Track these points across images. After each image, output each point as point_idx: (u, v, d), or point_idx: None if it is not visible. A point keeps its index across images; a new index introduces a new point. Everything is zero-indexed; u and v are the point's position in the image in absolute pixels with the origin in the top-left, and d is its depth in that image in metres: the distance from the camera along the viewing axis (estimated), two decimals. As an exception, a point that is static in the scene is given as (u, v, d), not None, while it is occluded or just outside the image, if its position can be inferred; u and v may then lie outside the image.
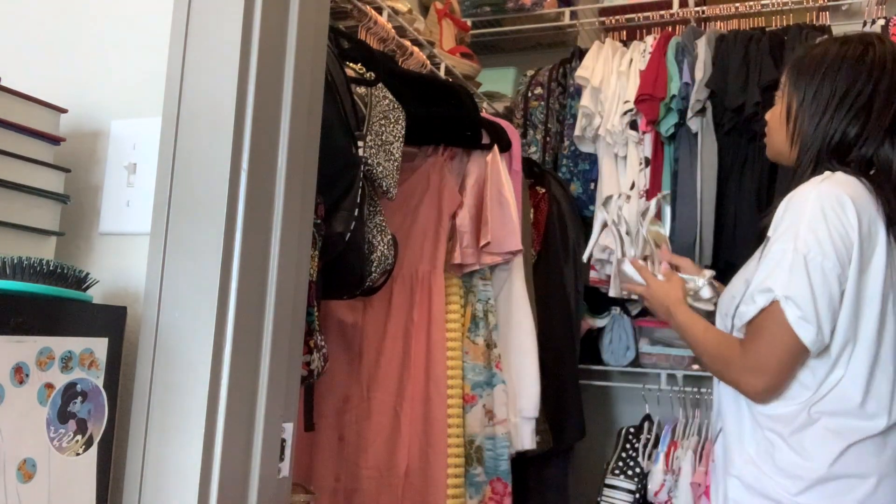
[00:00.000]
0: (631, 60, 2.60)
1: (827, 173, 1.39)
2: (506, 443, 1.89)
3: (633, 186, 2.49)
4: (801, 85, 1.47)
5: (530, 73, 2.84)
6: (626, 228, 1.73)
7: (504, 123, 2.06)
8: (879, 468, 1.33)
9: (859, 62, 1.43)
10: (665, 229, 1.79)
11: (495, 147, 1.95)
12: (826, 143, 1.42)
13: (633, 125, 2.52)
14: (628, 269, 1.66)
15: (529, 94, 2.80)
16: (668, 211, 2.44)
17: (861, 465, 1.32)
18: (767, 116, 1.58)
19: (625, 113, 2.51)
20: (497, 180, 1.92)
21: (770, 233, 1.40)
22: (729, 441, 1.44)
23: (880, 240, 1.35)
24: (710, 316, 1.57)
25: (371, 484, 1.68)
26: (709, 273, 1.66)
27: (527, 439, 1.96)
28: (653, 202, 1.80)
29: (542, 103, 2.76)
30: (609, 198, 1.83)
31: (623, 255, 1.71)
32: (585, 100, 2.58)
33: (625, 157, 2.54)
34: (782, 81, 1.54)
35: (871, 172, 1.41)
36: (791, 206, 1.38)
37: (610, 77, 2.58)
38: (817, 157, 1.43)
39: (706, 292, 1.63)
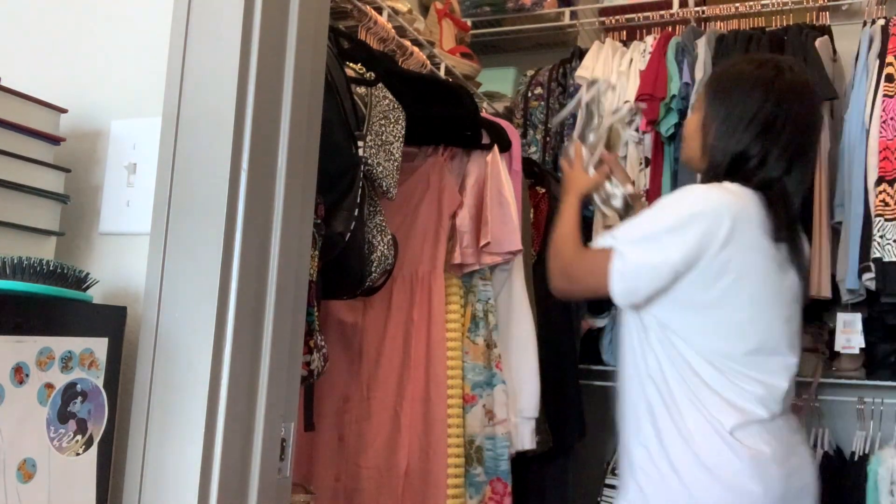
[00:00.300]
0: (631, 60, 2.61)
1: (726, 182, 1.48)
2: (506, 443, 1.89)
3: None
4: (715, 102, 1.55)
5: (530, 73, 2.84)
6: (597, 117, 1.83)
7: (504, 123, 2.05)
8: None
9: (770, 86, 1.50)
10: (628, 136, 1.87)
11: (495, 147, 1.95)
12: (732, 159, 1.50)
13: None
14: (570, 149, 1.80)
15: (529, 94, 2.80)
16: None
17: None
18: (685, 124, 1.68)
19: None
20: (497, 180, 1.92)
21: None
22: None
23: (762, 249, 1.44)
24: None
25: (371, 483, 1.68)
26: (631, 188, 1.77)
27: (527, 439, 1.96)
28: (626, 106, 1.87)
29: (542, 103, 2.76)
30: (595, 81, 1.90)
31: (580, 135, 1.83)
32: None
33: (624, 157, 2.54)
34: (699, 94, 1.65)
35: (769, 191, 1.48)
36: (680, 193, 1.52)
37: (610, 77, 2.59)
38: (726, 171, 1.50)
39: (617, 202, 1.75)
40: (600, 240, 1.57)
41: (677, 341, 1.46)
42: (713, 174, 1.53)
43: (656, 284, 1.46)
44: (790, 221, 1.49)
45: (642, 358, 1.51)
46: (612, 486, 2.45)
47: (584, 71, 2.61)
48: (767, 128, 1.48)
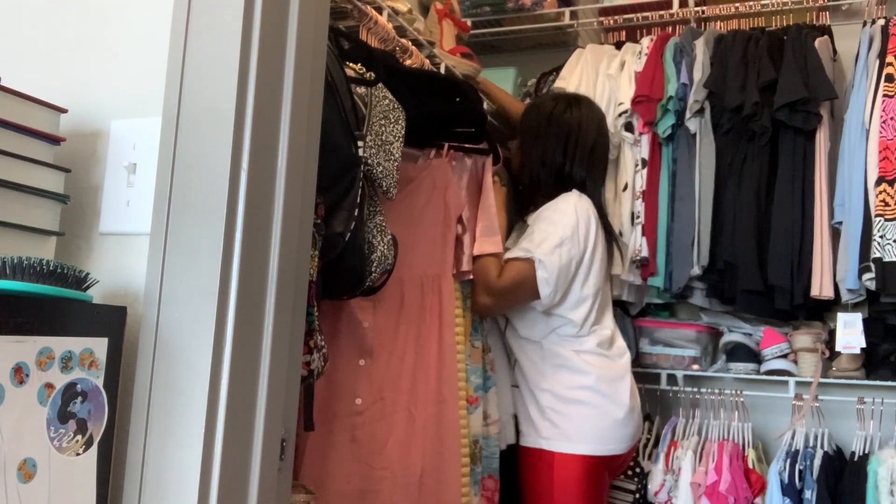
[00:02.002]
0: (623, 63, 2.60)
1: (574, 191, 2.07)
2: (496, 441, 1.94)
3: (626, 188, 2.50)
4: (527, 131, 2.18)
5: (531, 82, 2.85)
6: None
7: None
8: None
9: (562, 117, 2.14)
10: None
11: (489, 158, 1.98)
12: (548, 170, 2.11)
13: (629, 127, 2.52)
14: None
15: (523, 106, 2.80)
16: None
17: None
18: (512, 151, 2.27)
19: (619, 115, 2.51)
20: (489, 192, 1.97)
21: (530, 220, 2.09)
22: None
23: (600, 240, 2.06)
24: None
25: (385, 485, 1.67)
26: None
27: (510, 434, 2.06)
28: None
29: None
30: None
31: None
32: None
33: (615, 159, 2.54)
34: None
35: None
36: (556, 204, 2.05)
37: (596, 82, 2.58)
38: (549, 179, 2.11)
39: None
40: (509, 253, 2.00)
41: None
42: (543, 182, 2.11)
43: (567, 279, 1.97)
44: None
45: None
46: (613, 486, 2.45)
47: (562, 82, 2.61)
48: (564, 145, 2.12)
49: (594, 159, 2.14)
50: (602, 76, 2.58)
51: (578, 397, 1.99)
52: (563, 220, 1.99)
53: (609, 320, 2.11)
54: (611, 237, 2.16)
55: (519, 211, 2.29)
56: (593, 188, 2.12)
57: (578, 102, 2.20)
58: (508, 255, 1.99)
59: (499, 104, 2.44)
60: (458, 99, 1.86)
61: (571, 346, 2.02)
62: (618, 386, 2.02)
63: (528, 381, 2.05)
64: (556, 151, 2.10)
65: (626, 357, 2.10)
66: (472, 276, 1.94)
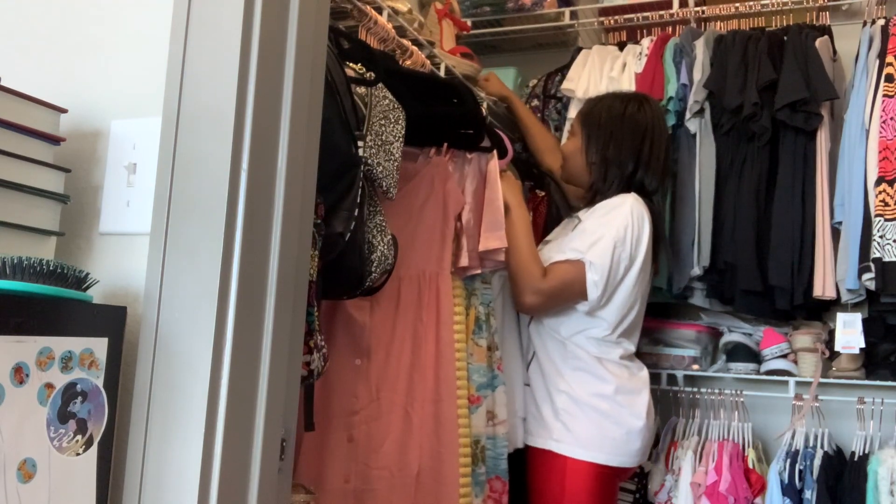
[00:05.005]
0: (624, 64, 2.60)
1: (633, 193, 2.00)
2: (505, 442, 1.91)
3: None
4: (597, 130, 2.07)
5: (533, 82, 2.84)
6: None
7: (501, 134, 2.09)
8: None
9: (635, 117, 2.06)
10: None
11: (494, 153, 1.97)
12: (618, 171, 2.03)
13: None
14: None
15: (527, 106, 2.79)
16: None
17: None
18: (564, 148, 2.21)
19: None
20: (495, 187, 1.95)
21: (582, 215, 2.04)
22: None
23: (650, 248, 1.99)
24: None
25: (382, 484, 1.67)
26: None
27: (520, 437, 2.03)
28: None
29: (538, 115, 2.75)
30: None
31: None
32: (573, 111, 2.57)
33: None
34: (574, 123, 2.18)
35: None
36: (612, 203, 1.99)
37: (599, 84, 2.58)
38: (616, 180, 2.03)
39: None
40: (558, 255, 1.97)
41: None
42: (606, 186, 2.04)
43: (615, 283, 1.93)
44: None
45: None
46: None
47: (570, 83, 2.61)
48: (639, 149, 2.05)
49: (665, 164, 2.10)
50: (605, 78, 2.58)
51: (595, 404, 1.95)
52: (617, 222, 1.94)
53: (636, 339, 2.08)
54: (658, 247, 2.10)
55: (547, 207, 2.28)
56: (659, 194, 2.09)
57: (648, 102, 2.14)
58: (559, 257, 1.96)
59: (527, 132, 2.48)
60: (455, 101, 1.86)
61: (595, 352, 1.98)
62: (635, 399, 1.99)
63: (546, 380, 2.01)
64: (629, 153, 2.04)
65: (646, 372, 2.06)
66: (509, 275, 1.95)
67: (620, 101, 2.11)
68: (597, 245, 1.91)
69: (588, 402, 1.95)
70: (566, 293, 1.94)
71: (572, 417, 1.95)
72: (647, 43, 2.61)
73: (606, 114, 2.09)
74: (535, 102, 2.79)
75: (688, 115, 2.42)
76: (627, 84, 2.53)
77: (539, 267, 1.94)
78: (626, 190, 2.02)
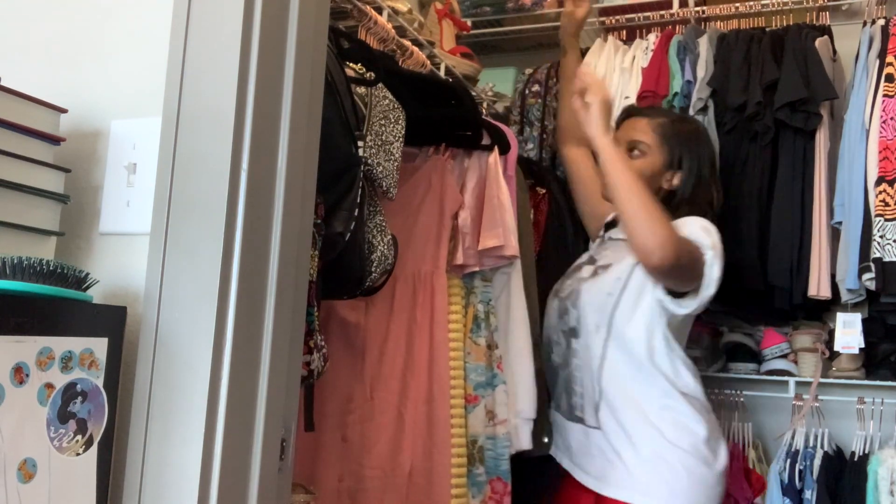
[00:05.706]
0: (633, 58, 2.60)
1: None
2: (506, 443, 1.88)
3: None
4: (685, 141, 1.97)
5: (529, 70, 2.83)
6: None
7: (503, 127, 2.06)
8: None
9: (707, 136, 2.07)
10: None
11: (496, 149, 1.95)
12: (699, 187, 1.95)
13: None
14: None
15: (527, 92, 2.79)
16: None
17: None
18: (639, 165, 1.94)
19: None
20: (496, 183, 1.93)
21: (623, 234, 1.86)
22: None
23: None
24: None
25: (375, 484, 1.68)
26: None
27: (525, 440, 1.96)
28: None
29: (540, 101, 2.75)
30: None
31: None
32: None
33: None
34: (649, 138, 1.97)
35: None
36: (696, 219, 1.83)
37: (612, 74, 2.58)
38: (688, 195, 1.94)
39: None
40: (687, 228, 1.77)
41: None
42: (679, 202, 1.93)
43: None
44: None
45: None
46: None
47: (587, 68, 2.61)
48: (712, 166, 2.04)
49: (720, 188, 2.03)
50: (618, 69, 2.59)
51: (688, 449, 1.77)
52: (713, 237, 1.78)
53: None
54: None
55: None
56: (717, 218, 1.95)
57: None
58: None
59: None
60: (453, 102, 1.86)
61: (674, 380, 1.83)
62: (721, 444, 1.84)
63: (623, 421, 1.84)
64: (704, 169, 1.97)
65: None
66: (628, 231, 1.80)
67: (691, 119, 2.13)
68: (714, 245, 1.76)
69: (681, 445, 1.78)
70: (689, 264, 1.73)
71: (668, 466, 1.78)
72: (652, 38, 2.61)
73: (689, 126, 2.04)
74: (536, 88, 2.78)
75: (692, 112, 2.42)
76: (637, 77, 2.53)
77: (661, 215, 1.72)
78: (697, 207, 1.92)
